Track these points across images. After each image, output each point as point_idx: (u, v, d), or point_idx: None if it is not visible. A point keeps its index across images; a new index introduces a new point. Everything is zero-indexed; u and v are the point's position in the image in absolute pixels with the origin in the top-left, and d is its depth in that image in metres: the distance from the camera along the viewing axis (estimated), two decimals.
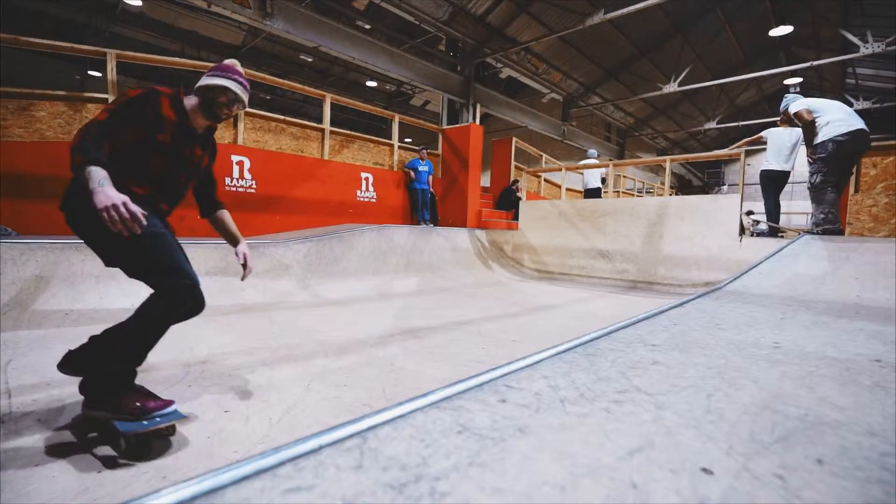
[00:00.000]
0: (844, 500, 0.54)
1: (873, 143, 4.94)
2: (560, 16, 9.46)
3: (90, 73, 12.41)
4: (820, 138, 3.89)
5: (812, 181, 3.97)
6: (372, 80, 14.89)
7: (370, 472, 0.56)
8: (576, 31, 8.86)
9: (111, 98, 4.60)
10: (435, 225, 7.24)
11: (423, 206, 7.18)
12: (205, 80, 1.57)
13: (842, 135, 3.78)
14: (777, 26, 10.41)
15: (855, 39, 9.14)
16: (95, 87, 10.67)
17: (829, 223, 3.83)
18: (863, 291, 2.18)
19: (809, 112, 3.97)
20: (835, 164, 3.83)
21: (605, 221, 5.97)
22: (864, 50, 9.02)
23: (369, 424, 0.69)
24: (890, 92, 12.96)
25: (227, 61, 1.64)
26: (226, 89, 1.55)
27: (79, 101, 4.55)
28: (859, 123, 3.82)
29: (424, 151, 7.30)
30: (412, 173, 7.23)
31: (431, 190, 7.39)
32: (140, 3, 10.14)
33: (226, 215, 1.80)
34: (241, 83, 1.59)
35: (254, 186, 5.43)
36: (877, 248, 2.65)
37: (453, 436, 0.67)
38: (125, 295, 3.18)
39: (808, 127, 3.97)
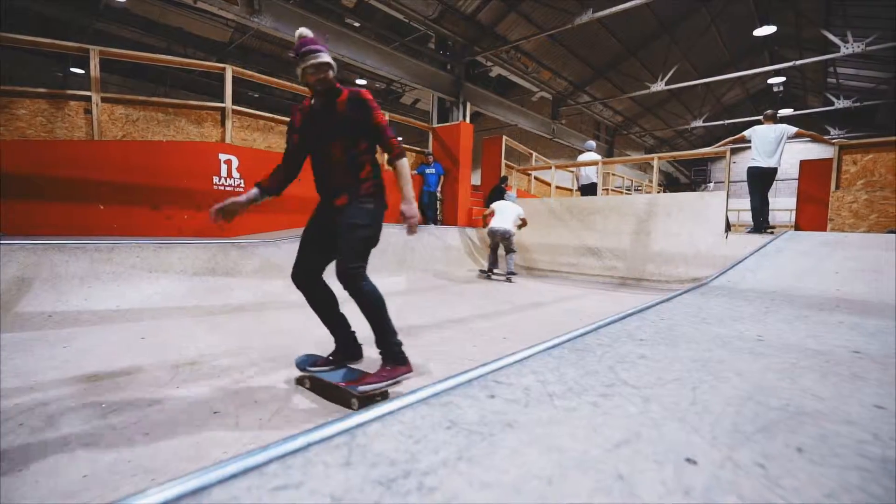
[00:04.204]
0: (823, 486, 0.56)
1: (854, 141, 5.22)
2: (549, 15, 9.50)
3: (73, 70, 12.14)
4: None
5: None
6: (361, 77, 14.79)
7: (359, 468, 0.56)
8: (565, 30, 8.90)
9: (94, 96, 4.51)
10: (435, 224, 7.37)
11: (427, 207, 7.45)
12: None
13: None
14: (761, 26, 10.58)
15: (836, 39, 9.32)
16: (78, 85, 10.45)
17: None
18: (843, 285, 2.23)
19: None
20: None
21: (595, 219, 6.01)
22: (845, 50, 9.21)
23: (358, 422, 0.69)
24: (870, 91, 13.24)
25: (298, 32, 1.79)
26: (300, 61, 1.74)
27: (61, 98, 4.45)
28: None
29: (431, 157, 7.48)
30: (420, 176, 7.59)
31: (439, 192, 7.64)
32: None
33: (399, 167, 1.86)
34: (307, 51, 1.72)
35: (242, 185, 5.37)
36: (856, 244, 2.72)
37: (442, 431, 0.67)
38: (112, 296, 3.13)
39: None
